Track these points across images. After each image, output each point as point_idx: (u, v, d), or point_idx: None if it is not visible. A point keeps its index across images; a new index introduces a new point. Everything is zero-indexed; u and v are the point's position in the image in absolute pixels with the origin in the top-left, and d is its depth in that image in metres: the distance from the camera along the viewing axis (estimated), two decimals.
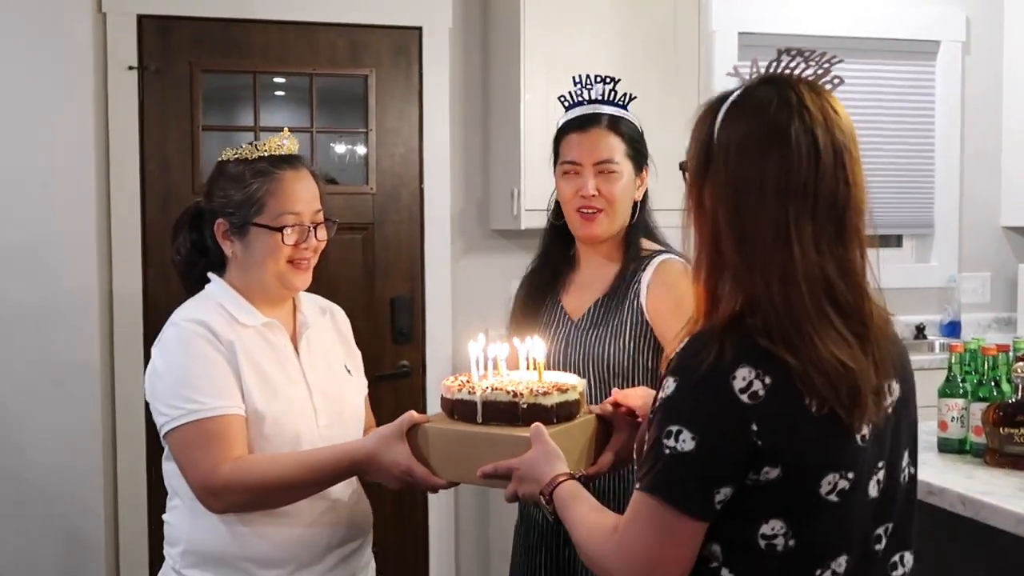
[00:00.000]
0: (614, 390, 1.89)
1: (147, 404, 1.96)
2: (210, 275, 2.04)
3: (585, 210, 2.18)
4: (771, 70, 1.45)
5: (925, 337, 4.65)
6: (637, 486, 1.37)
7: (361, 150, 4.22)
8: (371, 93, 4.17)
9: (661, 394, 1.36)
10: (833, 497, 1.34)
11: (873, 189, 5.03)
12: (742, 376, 1.30)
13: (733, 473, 1.31)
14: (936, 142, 4.83)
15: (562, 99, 2.30)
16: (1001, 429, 2.28)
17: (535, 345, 1.90)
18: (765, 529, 1.34)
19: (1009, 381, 2.35)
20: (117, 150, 3.83)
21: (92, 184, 3.73)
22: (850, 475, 1.34)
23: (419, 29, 4.19)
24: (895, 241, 4.93)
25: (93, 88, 3.73)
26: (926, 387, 3.78)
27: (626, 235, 2.24)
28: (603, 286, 2.21)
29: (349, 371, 2.12)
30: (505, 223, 4.11)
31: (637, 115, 2.34)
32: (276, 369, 1.96)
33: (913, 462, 1.49)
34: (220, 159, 2.05)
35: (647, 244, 2.23)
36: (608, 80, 2.25)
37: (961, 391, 2.45)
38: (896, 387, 1.44)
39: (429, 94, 4.21)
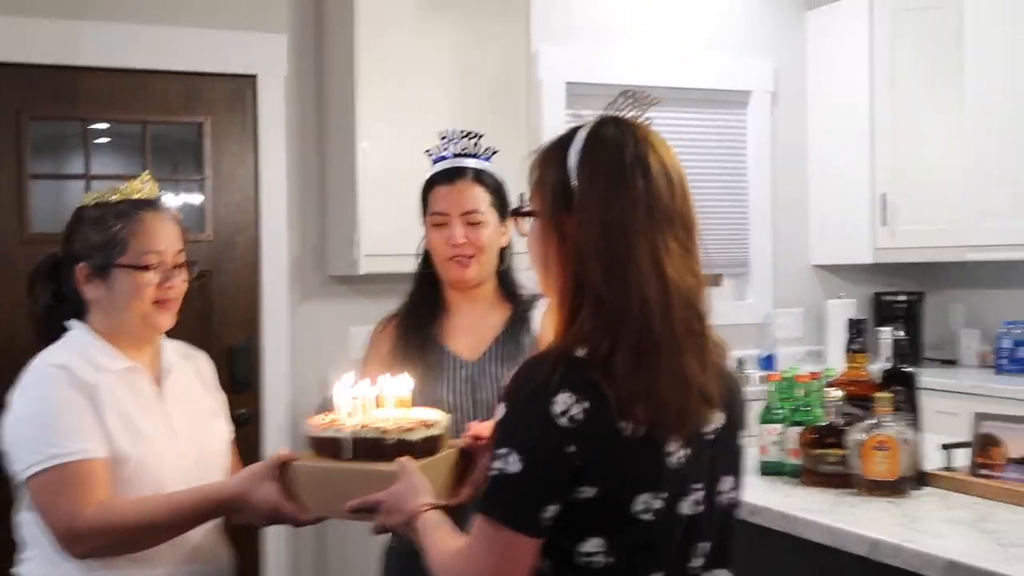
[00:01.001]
0: (471, 423, 1.98)
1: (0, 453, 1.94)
2: (70, 323, 2.04)
3: (457, 258, 2.29)
4: (608, 111, 1.58)
5: (743, 371, 4.90)
6: (477, 507, 1.46)
7: (197, 198, 4.21)
8: (206, 140, 4.17)
9: (496, 419, 1.46)
10: (647, 516, 1.43)
11: None
12: (562, 401, 1.39)
13: (557, 492, 1.41)
14: (749, 186, 5.13)
15: (429, 152, 2.41)
16: (814, 451, 2.47)
17: (401, 383, 1.97)
18: (586, 547, 1.43)
19: (821, 406, 2.55)
20: None
21: None
22: (663, 496, 1.44)
23: (254, 77, 4.23)
24: (714, 280, 5.20)
25: None
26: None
27: (502, 280, 2.38)
28: (495, 327, 2.32)
29: (214, 416, 2.15)
30: (344, 269, 4.17)
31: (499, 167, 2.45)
32: (139, 412, 1.97)
33: (736, 487, 1.61)
34: (79, 206, 2.07)
35: (520, 289, 2.39)
36: (473, 135, 2.39)
37: (778, 417, 2.64)
38: (721, 416, 1.55)
39: (265, 141, 4.24)
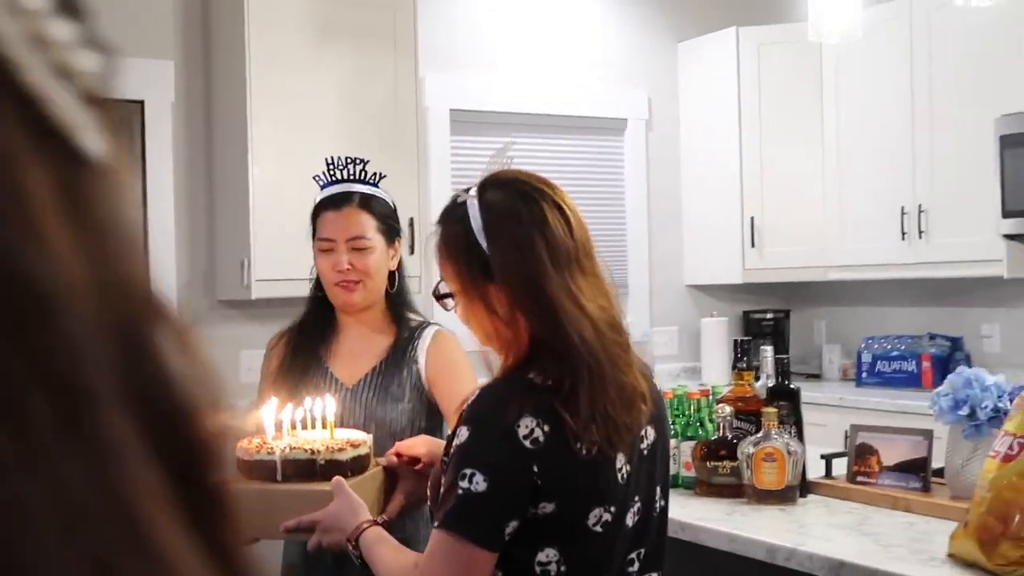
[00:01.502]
0: (397, 443, 2.06)
1: None
2: None
3: (343, 283, 2.32)
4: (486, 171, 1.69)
5: None
6: (435, 524, 1.55)
7: None
8: None
9: (456, 441, 1.56)
10: (598, 528, 1.57)
11: None
12: (525, 424, 1.51)
13: (519, 509, 1.53)
14: (627, 209, 5.33)
15: (316, 179, 2.44)
16: (707, 463, 2.63)
17: (326, 405, 2.05)
18: (541, 556, 1.55)
19: (711, 421, 2.72)
20: None
21: None
22: (612, 508, 1.58)
23: (141, 102, 4.23)
24: None
25: None
26: None
27: (391, 306, 2.40)
28: (377, 354, 2.35)
29: None
30: (234, 294, 4.19)
31: (388, 191, 2.52)
32: None
33: (664, 496, 1.75)
34: None
35: (410, 314, 2.42)
36: (359, 161, 2.42)
37: (671, 432, 2.80)
38: (652, 432, 1.69)
39: (152, 167, 4.24)
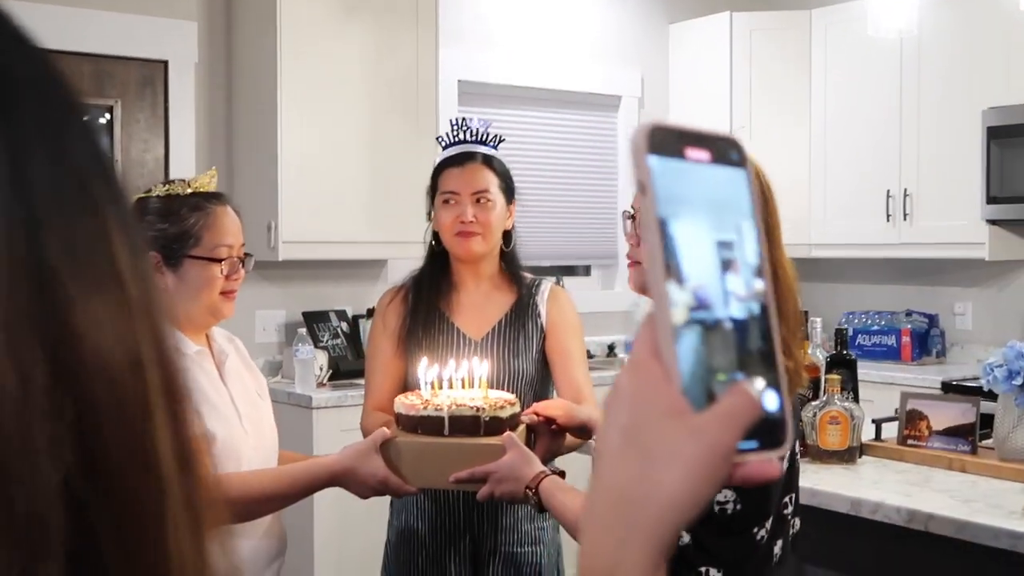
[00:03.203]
0: (537, 404, 2.21)
1: None
2: None
3: (463, 232, 2.41)
4: None
5: (616, 355, 5.29)
6: None
7: None
8: (116, 124, 4.16)
9: None
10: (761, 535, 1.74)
11: (564, 224, 5.74)
12: None
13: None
14: (618, 183, 5.51)
15: (439, 140, 2.54)
16: None
17: (479, 366, 2.18)
18: (719, 496, 1.72)
19: None
20: None
21: None
22: (771, 519, 1.76)
23: (165, 62, 4.25)
24: (584, 271, 5.56)
25: None
26: None
27: (507, 263, 2.52)
28: (501, 308, 2.47)
29: (260, 395, 2.28)
30: (258, 255, 4.21)
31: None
32: (214, 394, 2.10)
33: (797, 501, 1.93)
34: (140, 196, 2.15)
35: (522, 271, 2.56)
36: (482, 122, 2.52)
37: None
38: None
39: (175, 127, 4.27)
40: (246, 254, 2.18)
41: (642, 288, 1.91)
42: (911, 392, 2.91)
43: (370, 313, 4.49)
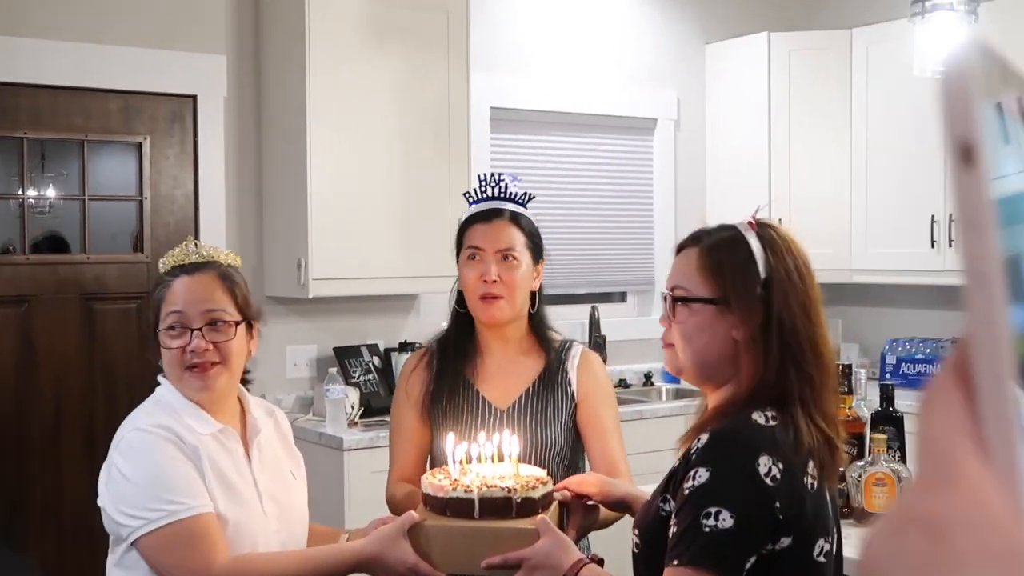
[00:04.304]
0: (570, 479, 2.12)
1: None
2: (160, 378, 2.07)
3: (487, 296, 2.33)
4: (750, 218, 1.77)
5: (652, 384, 5.20)
6: (675, 563, 1.61)
7: (134, 218, 4.15)
8: (146, 160, 4.13)
9: (692, 482, 1.62)
10: (821, 558, 1.67)
11: (599, 250, 5.63)
12: (764, 463, 1.60)
13: (761, 544, 1.61)
14: (655, 207, 5.41)
15: (467, 195, 2.46)
16: None
17: (508, 441, 2.10)
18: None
19: None
20: None
21: None
22: (830, 539, 1.69)
23: (194, 97, 4.21)
24: (619, 297, 5.46)
25: None
26: (664, 433, 4.32)
27: (534, 325, 2.43)
28: (528, 375, 2.39)
29: (294, 475, 2.21)
30: (287, 291, 4.20)
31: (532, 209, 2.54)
32: (234, 474, 2.03)
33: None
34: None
35: (550, 332, 2.46)
36: (514, 179, 2.43)
37: None
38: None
39: (204, 161, 4.22)
40: (214, 321, 2.00)
41: (679, 370, 1.83)
42: None
43: (402, 347, 4.43)
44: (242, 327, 2.05)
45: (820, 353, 1.69)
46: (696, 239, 1.79)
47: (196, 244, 2.13)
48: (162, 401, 2.04)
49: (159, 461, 1.93)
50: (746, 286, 1.68)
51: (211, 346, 1.99)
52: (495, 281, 2.31)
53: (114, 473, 1.96)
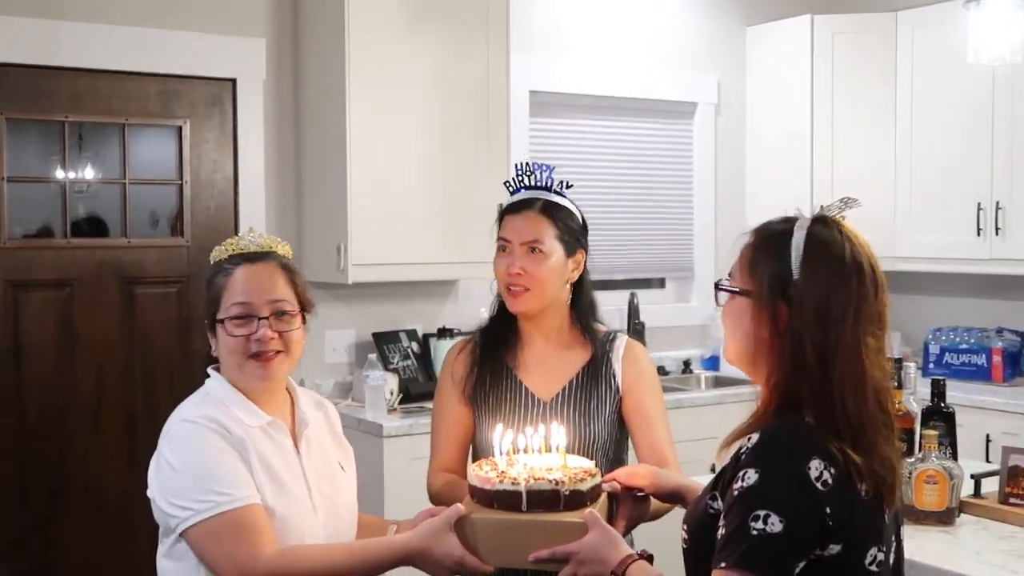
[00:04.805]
0: (619, 471, 2.10)
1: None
2: (210, 370, 2.06)
3: (512, 287, 2.32)
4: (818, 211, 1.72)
5: (691, 371, 5.16)
6: (723, 565, 1.58)
7: (174, 202, 4.15)
8: (185, 144, 4.11)
9: (742, 483, 1.58)
10: (874, 567, 1.62)
11: (638, 236, 5.56)
12: (815, 467, 1.55)
13: (809, 549, 1.57)
14: (694, 193, 5.36)
15: (507, 184, 2.42)
16: None
17: (556, 433, 2.07)
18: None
19: None
20: None
21: None
22: (883, 548, 1.64)
23: (233, 80, 4.19)
24: (658, 283, 5.41)
25: None
26: (703, 422, 4.28)
27: (579, 317, 2.40)
28: (572, 367, 2.37)
29: (343, 468, 2.19)
30: (326, 276, 4.18)
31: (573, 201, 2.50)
32: (281, 467, 2.01)
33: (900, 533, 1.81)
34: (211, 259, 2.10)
35: (596, 324, 2.42)
36: (545, 168, 2.40)
37: None
38: None
39: (244, 145, 4.21)
40: (280, 312, 2.02)
41: (731, 361, 1.79)
42: (1013, 447, 2.74)
43: (441, 333, 4.42)
44: (299, 317, 2.05)
45: (852, 374, 1.60)
46: (755, 229, 1.75)
47: (257, 233, 2.12)
48: (211, 394, 2.03)
49: (206, 452, 1.92)
50: (771, 284, 1.64)
51: (276, 335, 2.00)
52: (519, 273, 2.31)
53: (162, 464, 1.95)
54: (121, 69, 3.97)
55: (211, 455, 1.92)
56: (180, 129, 4.11)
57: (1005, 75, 4.57)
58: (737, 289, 1.70)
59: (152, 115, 4.06)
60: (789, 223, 1.70)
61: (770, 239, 1.70)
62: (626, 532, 2.08)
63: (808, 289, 1.62)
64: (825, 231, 1.68)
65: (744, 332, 1.69)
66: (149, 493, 1.98)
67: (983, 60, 3.33)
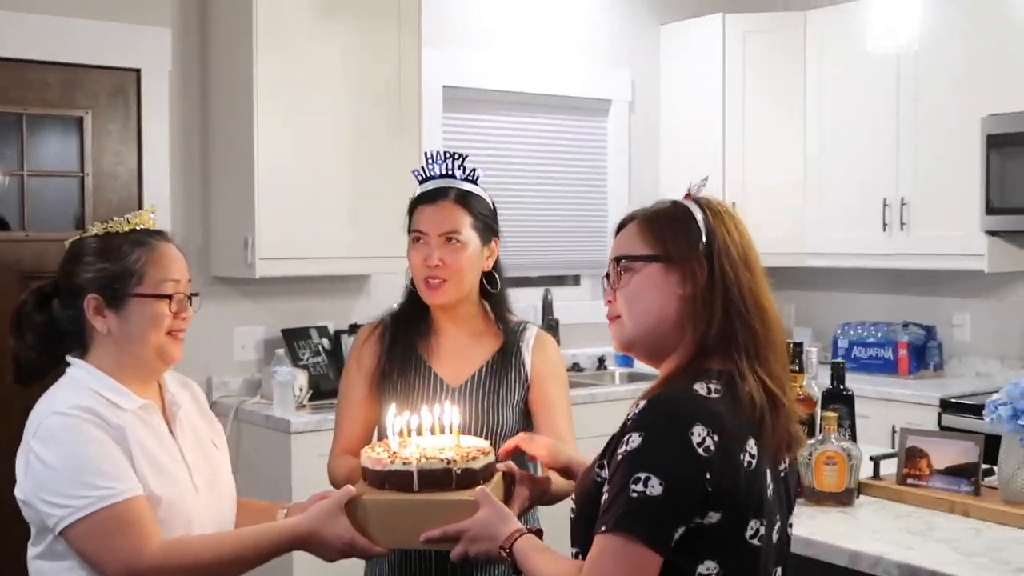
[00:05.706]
0: (520, 435, 2.08)
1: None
2: (70, 359, 1.99)
3: (431, 279, 2.29)
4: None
5: (606, 368, 5.17)
6: (603, 529, 1.57)
7: (76, 195, 4.05)
8: (87, 135, 4.02)
9: (626, 448, 1.57)
10: (755, 541, 1.62)
11: (553, 233, 5.60)
12: (698, 432, 1.55)
13: (689, 515, 1.56)
14: (608, 190, 5.38)
15: (415, 173, 2.39)
16: None
17: (449, 412, 2.05)
18: (701, 569, 1.59)
19: None
20: None
21: None
22: (764, 522, 1.64)
23: (137, 71, 4.10)
24: (573, 280, 5.42)
25: None
26: (617, 416, 4.29)
27: (492, 306, 2.39)
28: (483, 355, 2.35)
29: (215, 445, 2.14)
30: (232, 271, 4.11)
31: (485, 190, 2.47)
32: (160, 451, 1.96)
33: (789, 517, 1.81)
34: (77, 239, 2.01)
35: (507, 313, 2.41)
36: (456, 156, 2.37)
37: None
38: (787, 456, 1.75)
39: (148, 137, 4.13)
40: (193, 293, 2.03)
41: (626, 343, 1.78)
42: (910, 428, 2.78)
43: (352, 329, 4.36)
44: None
45: (763, 307, 1.67)
46: (633, 216, 1.77)
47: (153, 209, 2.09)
48: (79, 382, 1.95)
49: (83, 445, 1.85)
50: (688, 242, 1.67)
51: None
52: (438, 265, 2.28)
53: (33, 461, 1.86)
54: (21, 57, 3.87)
55: (90, 448, 1.85)
56: (81, 120, 4.01)
57: (909, 74, 4.66)
58: (649, 254, 1.70)
59: (53, 105, 3.96)
60: (670, 201, 1.74)
61: (664, 213, 1.73)
62: (523, 512, 2.06)
63: (724, 241, 1.68)
64: (706, 200, 1.74)
65: (652, 300, 1.69)
66: (17, 493, 1.90)
67: (880, 50, 3.38)
